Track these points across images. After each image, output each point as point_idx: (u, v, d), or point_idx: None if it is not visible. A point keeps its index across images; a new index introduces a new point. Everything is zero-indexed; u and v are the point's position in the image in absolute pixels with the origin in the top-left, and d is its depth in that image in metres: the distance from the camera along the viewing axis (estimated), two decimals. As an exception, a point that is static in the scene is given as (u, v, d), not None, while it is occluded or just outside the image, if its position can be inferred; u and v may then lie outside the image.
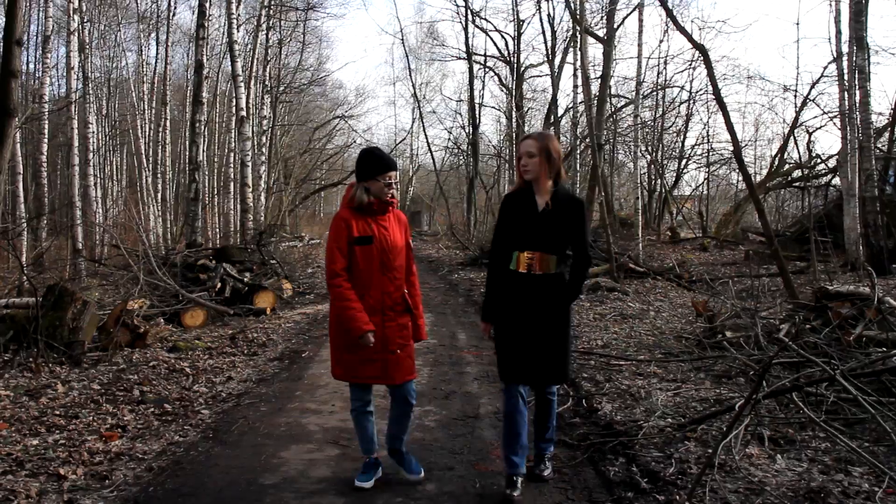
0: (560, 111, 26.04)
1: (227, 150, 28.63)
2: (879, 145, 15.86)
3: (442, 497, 3.87)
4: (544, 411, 4.16)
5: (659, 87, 25.47)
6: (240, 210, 17.69)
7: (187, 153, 16.23)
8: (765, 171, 25.61)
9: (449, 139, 38.21)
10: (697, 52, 11.13)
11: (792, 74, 57.58)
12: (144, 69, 25.92)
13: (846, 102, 13.99)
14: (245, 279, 11.68)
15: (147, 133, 25.20)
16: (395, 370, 4.03)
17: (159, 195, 24.56)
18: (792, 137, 22.42)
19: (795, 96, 21.40)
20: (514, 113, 28.56)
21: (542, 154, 3.88)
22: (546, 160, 3.87)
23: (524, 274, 3.89)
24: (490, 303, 4.03)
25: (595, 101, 17.67)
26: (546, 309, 3.90)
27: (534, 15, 39.75)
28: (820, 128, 23.46)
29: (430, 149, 34.44)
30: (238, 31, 18.28)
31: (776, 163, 23.81)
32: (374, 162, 4.00)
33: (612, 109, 24.10)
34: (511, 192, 4.06)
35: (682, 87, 26.40)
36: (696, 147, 28.11)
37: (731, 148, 11.68)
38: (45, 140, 15.82)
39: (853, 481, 3.78)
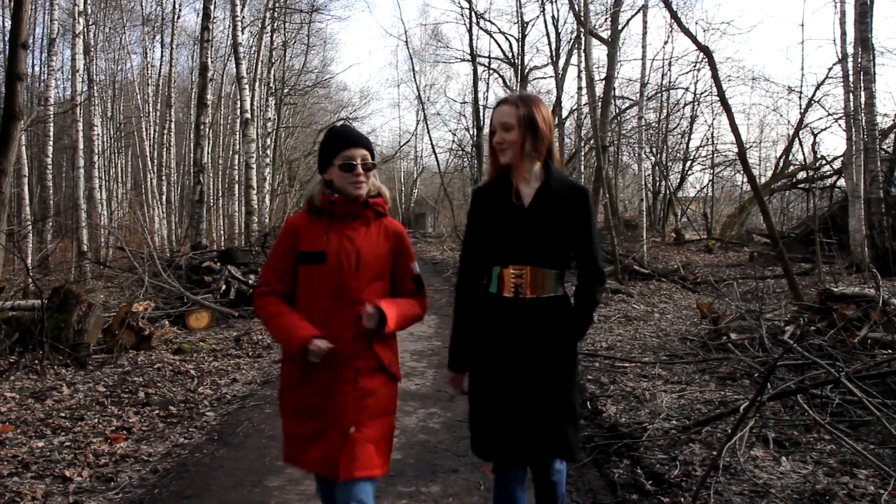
0: (564, 113, 26.07)
1: (231, 153, 28.64)
2: (885, 147, 15.83)
3: (446, 499, 3.87)
4: (547, 498, 2.94)
5: (663, 89, 25.43)
6: (244, 212, 17.69)
7: (192, 155, 16.28)
8: (769, 173, 25.61)
9: (453, 141, 38.37)
10: (702, 53, 11.12)
11: (797, 76, 57.44)
12: (149, 71, 26.00)
13: (851, 104, 13.96)
14: (249, 281, 11.68)
15: (152, 135, 25.26)
16: (343, 458, 2.65)
17: (164, 197, 24.60)
18: (797, 139, 22.39)
19: (800, 98, 21.38)
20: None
21: (523, 125, 2.72)
22: (530, 133, 2.71)
23: (510, 299, 2.74)
24: (460, 343, 2.88)
25: (599, 103, 17.69)
26: (543, 350, 2.74)
27: (538, 17, 39.65)
28: (825, 129, 23.30)
29: (434, 151, 34.46)
30: (242, 34, 18.32)
31: (781, 164, 23.79)
32: (330, 141, 2.80)
33: (617, 111, 24.12)
34: (483, 186, 2.88)
35: (687, 89, 26.41)
36: (701, 149, 28.08)
37: (736, 149, 11.67)
38: (51, 142, 15.88)
39: (858, 484, 3.77)
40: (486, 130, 3.02)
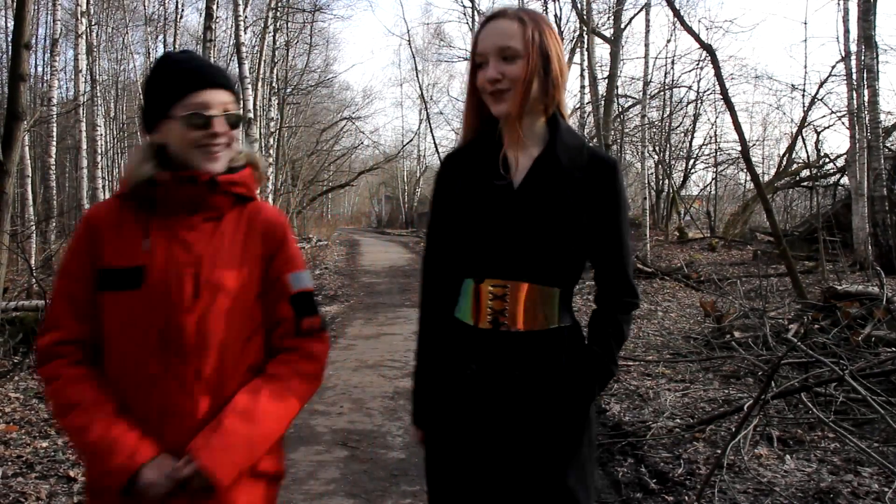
0: (567, 111, 26.02)
1: (234, 152, 28.65)
2: (888, 144, 15.79)
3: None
4: None
5: (666, 87, 25.40)
6: (247, 212, 17.73)
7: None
8: (773, 171, 25.54)
9: (456, 140, 38.26)
10: (705, 51, 11.10)
11: (800, 74, 57.34)
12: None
13: (854, 102, 13.94)
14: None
15: (155, 135, 25.25)
16: None
17: (167, 197, 24.57)
18: (800, 137, 22.36)
19: (803, 96, 21.33)
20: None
21: (535, 53, 1.76)
22: (542, 67, 1.77)
23: (486, 333, 1.80)
24: (427, 387, 1.95)
25: (602, 102, 17.67)
26: (538, 422, 1.79)
27: (540, 15, 39.70)
28: (828, 127, 23.28)
29: (437, 150, 34.43)
30: (245, 34, 18.34)
31: (784, 162, 23.74)
32: (167, 78, 1.71)
33: (620, 109, 24.07)
34: (456, 151, 1.95)
35: (690, 87, 26.35)
36: (704, 147, 28.04)
37: (739, 148, 11.66)
38: (54, 143, 15.90)
39: (863, 482, 3.77)
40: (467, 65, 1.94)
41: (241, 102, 1.53)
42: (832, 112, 20.12)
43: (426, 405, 1.94)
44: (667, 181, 27.20)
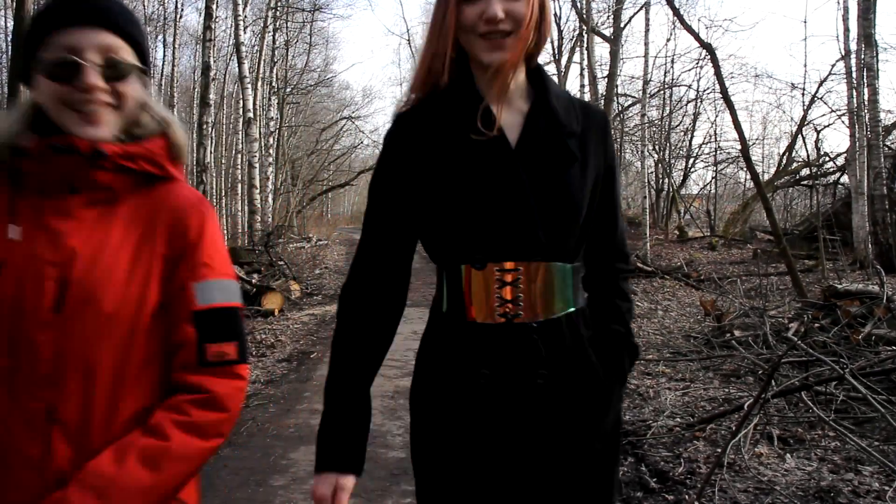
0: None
1: (234, 152, 28.70)
2: (888, 143, 15.80)
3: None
4: None
5: (666, 86, 25.42)
6: (247, 211, 17.74)
7: (194, 155, 16.26)
8: (773, 170, 25.56)
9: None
10: (704, 50, 11.11)
11: (799, 72, 57.56)
12: (151, 71, 25.97)
13: (854, 100, 13.95)
14: (253, 280, 11.69)
15: (155, 135, 25.28)
16: None
17: (167, 197, 24.59)
18: (800, 135, 22.36)
19: (803, 94, 21.37)
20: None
21: None
22: (540, 10, 1.47)
23: (497, 329, 1.46)
24: (340, 418, 1.50)
25: (602, 101, 17.67)
26: (571, 432, 1.48)
27: (540, 14, 39.74)
28: (828, 126, 23.35)
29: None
30: (245, 33, 18.34)
31: (784, 161, 23.75)
32: (37, 15, 1.32)
33: (619, 108, 24.06)
34: (412, 109, 1.55)
35: (690, 86, 26.37)
36: (704, 146, 28.06)
37: (739, 146, 11.67)
38: (54, 143, 15.85)
39: (863, 480, 3.77)
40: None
41: (145, 53, 1.12)
42: (832, 111, 20.17)
43: (343, 437, 1.47)
44: (666, 180, 27.20)
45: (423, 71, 1.52)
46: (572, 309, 1.50)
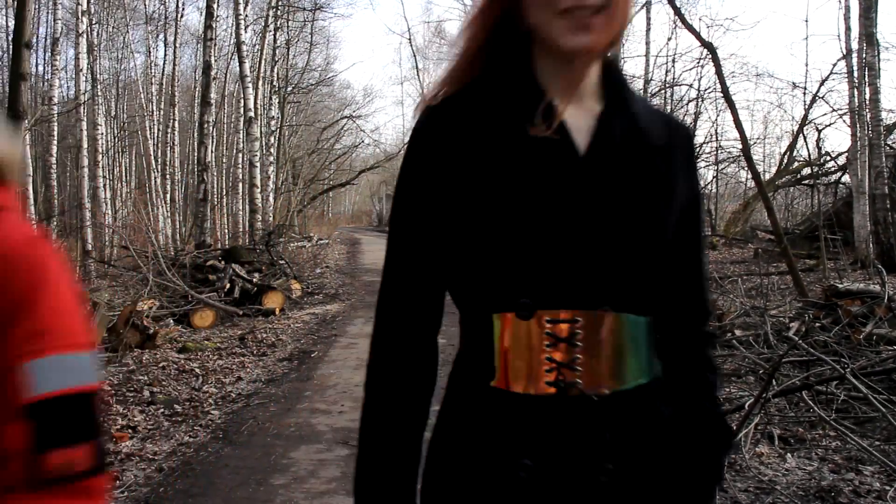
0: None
1: (235, 151, 28.66)
2: (889, 142, 15.78)
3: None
4: None
5: (667, 86, 25.37)
6: (248, 210, 17.74)
7: (196, 154, 16.30)
8: (774, 169, 25.54)
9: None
10: (706, 49, 11.09)
11: (801, 72, 57.45)
12: (152, 70, 26.02)
13: (856, 99, 13.92)
14: (254, 280, 11.69)
15: (155, 134, 25.30)
16: None
17: (168, 196, 24.63)
18: (801, 135, 22.32)
19: (804, 94, 21.30)
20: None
21: None
22: None
23: (544, 401, 1.05)
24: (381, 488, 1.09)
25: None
26: None
27: (541, 14, 39.72)
28: (829, 125, 23.23)
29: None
30: (246, 32, 18.33)
31: (785, 160, 23.71)
32: None
33: (620, 108, 24.01)
34: (444, 103, 1.14)
35: (691, 86, 26.25)
36: (705, 145, 28.01)
37: (740, 146, 11.64)
38: (55, 142, 15.90)
39: (864, 480, 3.77)
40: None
41: None
42: (833, 110, 20.07)
43: None
44: (668, 179, 27.15)
45: (465, 60, 1.17)
46: (647, 379, 1.12)
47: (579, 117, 1.10)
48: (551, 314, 1.05)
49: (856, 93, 13.92)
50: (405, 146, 1.18)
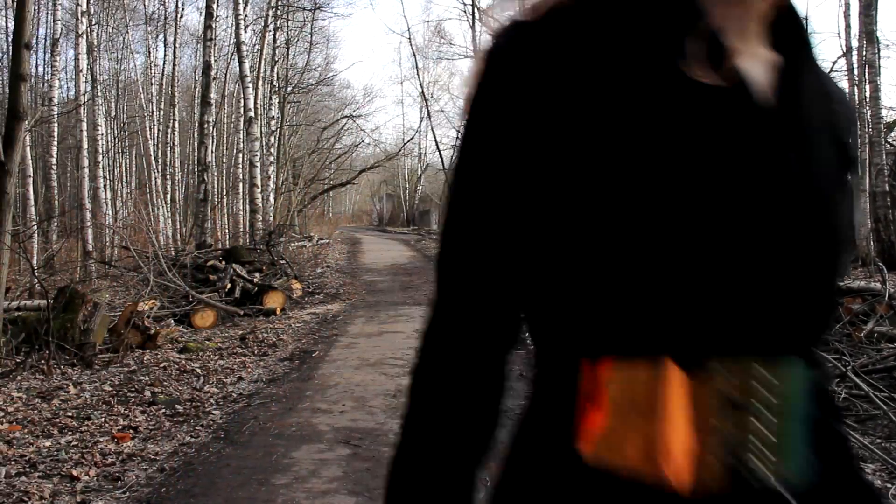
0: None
1: (235, 151, 28.71)
2: (890, 140, 15.78)
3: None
4: None
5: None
6: (249, 210, 17.75)
7: (196, 154, 16.31)
8: (774, 167, 25.55)
9: (457, 138, 38.25)
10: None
11: (801, 69, 57.15)
12: (152, 71, 26.04)
13: (856, 97, 13.92)
14: (255, 279, 11.70)
15: (156, 134, 25.31)
16: None
17: (168, 196, 24.64)
18: (801, 133, 22.33)
19: (804, 91, 21.30)
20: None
21: None
22: None
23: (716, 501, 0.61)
24: None
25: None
26: None
27: (541, 12, 39.74)
28: (829, 123, 23.25)
29: (438, 148, 34.54)
30: (245, 32, 18.34)
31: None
32: None
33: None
34: (538, 21, 0.69)
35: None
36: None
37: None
38: (55, 143, 15.91)
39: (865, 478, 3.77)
40: None
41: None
42: (833, 108, 20.09)
43: None
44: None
45: None
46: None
47: (753, 65, 0.71)
48: (730, 365, 0.65)
49: (856, 90, 13.93)
50: (469, 83, 0.77)
